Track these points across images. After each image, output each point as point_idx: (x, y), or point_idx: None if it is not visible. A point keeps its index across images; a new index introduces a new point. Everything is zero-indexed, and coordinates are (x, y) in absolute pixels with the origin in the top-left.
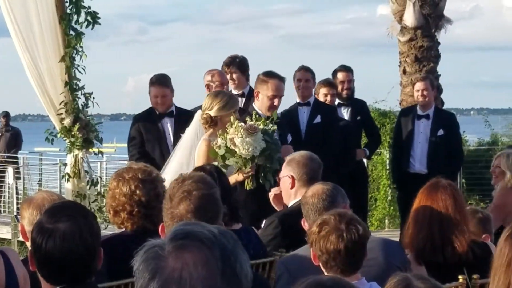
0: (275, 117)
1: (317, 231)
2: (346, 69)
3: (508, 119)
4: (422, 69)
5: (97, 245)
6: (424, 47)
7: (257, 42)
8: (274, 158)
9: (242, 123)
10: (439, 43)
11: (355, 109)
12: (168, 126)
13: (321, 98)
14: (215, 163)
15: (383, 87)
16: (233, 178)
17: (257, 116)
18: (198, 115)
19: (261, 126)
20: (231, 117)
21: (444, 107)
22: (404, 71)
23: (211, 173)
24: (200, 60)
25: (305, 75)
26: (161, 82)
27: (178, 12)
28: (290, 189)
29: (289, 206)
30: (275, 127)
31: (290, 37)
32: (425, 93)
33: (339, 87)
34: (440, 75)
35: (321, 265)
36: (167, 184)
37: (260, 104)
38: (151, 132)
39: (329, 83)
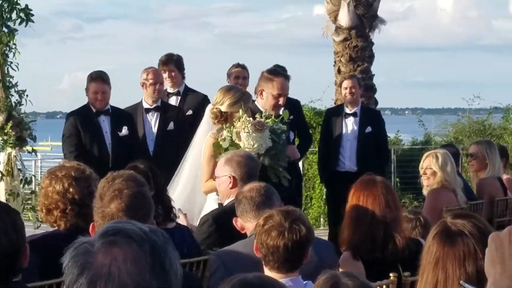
0: (285, 118)
1: (261, 224)
2: (280, 69)
3: (441, 119)
4: (356, 68)
5: (22, 242)
6: (358, 47)
7: (195, 41)
8: (281, 159)
9: (251, 118)
10: (373, 43)
11: (289, 109)
12: (106, 124)
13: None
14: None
15: (319, 86)
16: None
17: (266, 114)
18: (208, 110)
19: (271, 124)
20: (240, 110)
21: (379, 106)
22: (339, 71)
23: (145, 172)
24: (137, 59)
25: (243, 73)
26: (101, 78)
27: (115, 9)
28: (230, 188)
29: (224, 205)
30: (285, 127)
31: (227, 36)
32: (353, 90)
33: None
34: (374, 74)
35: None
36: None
37: (264, 103)
38: (89, 129)
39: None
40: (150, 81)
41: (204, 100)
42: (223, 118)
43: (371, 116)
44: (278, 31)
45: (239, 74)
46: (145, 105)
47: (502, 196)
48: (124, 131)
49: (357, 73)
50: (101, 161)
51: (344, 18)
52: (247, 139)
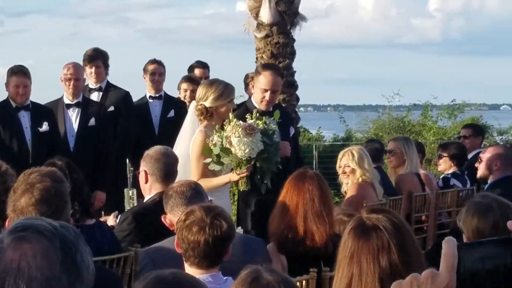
0: (276, 118)
1: (183, 219)
2: (203, 65)
3: (361, 116)
4: (278, 65)
5: None
6: (279, 43)
7: (116, 36)
8: (273, 161)
9: (241, 122)
10: (294, 40)
11: None
12: (26, 119)
13: (181, 93)
14: (208, 159)
15: (241, 83)
16: (227, 177)
17: (257, 114)
18: (192, 107)
19: (261, 126)
20: (230, 114)
21: (301, 103)
22: None
23: (62, 169)
24: (58, 54)
25: (159, 69)
26: (22, 72)
27: (37, 4)
28: (144, 183)
29: (144, 201)
30: (276, 127)
31: (150, 32)
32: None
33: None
34: (295, 71)
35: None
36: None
37: (255, 97)
38: (8, 125)
39: (191, 79)
40: (69, 76)
41: (126, 96)
42: (209, 114)
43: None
44: (200, 27)
45: (155, 70)
46: (66, 101)
47: (420, 192)
48: (45, 127)
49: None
50: (20, 157)
51: (266, 15)
52: (238, 144)
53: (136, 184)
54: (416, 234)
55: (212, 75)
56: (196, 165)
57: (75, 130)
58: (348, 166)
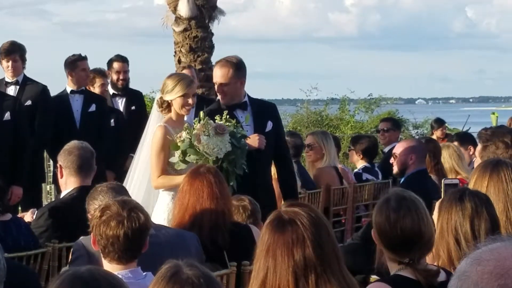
0: (246, 121)
1: (99, 216)
2: (122, 59)
3: (280, 110)
4: (196, 59)
5: None
6: (198, 37)
7: (32, 29)
8: (238, 164)
9: (211, 121)
10: (213, 34)
11: (130, 99)
12: None
13: (97, 88)
14: (175, 157)
15: (160, 76)
16: None
17: (227, 116)
18: (156, 100)
19: (231, 128)
20: (200, 112)
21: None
22: (179, 61)
23: None
24: None
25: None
26: None
27: None
28: (60, 178)
29: (61, 196)
30: (245, 132)
31: (66, 25)
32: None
33: (114, 77)
34: (214, 65)
35: (100, 250)
36: (138, 182)
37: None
38: None
39: (105, 74)
40: None
41: (43, 91)
42: (167, 107)
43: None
44: (118, 20)
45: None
46: None
47: (339, 185)
48: None
49: (197, 63)
50: None
51: (184, 9)
52: (207, 143)
53: (56, 181)
54: (334, 228)
55: (132, 70)
56: (156, 161)
57: None
58: None
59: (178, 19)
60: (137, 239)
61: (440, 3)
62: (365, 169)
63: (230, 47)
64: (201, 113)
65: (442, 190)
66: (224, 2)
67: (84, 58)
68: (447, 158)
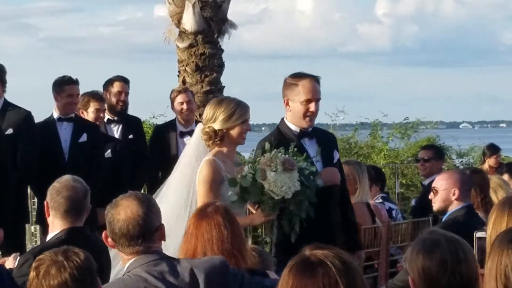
0: (317, 156)
1: (35, 275)
2: (124, 79)
3: None
4: (204, 79)
5: None
6: (206, 54)
7: (15, 46)
8: (304, 206)
9: (280, 154)
10: (223, 51)
11: (127, 126)
12: None
13: (91, 114)
14: (234, 195)
15: (162, 100)
16: (247, 219)
17: (294, 149)
18: (199, 130)
19: (301, 164)
20: (266, 143)
21: None
22: (184, 82)
23: None
24: None
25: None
26: None
27: None
28: (47, 217)
29: (47, 241)
30: (314, 168)
31: (54, 40)
32: (190, 106)
33: (113, 100)
34: (224, 86)
35: None
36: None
37: (292, 116)
38: None
39: (101, 97)
40: None
41: (27, 117)
42: (219, 138)
43: None
44: (113, 34)
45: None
46: None
47: (371, 224)
48: None
49: (205, 84)
50: None
51: (189, 22)
52: (274, 180)
53: (42, 221)
54: (365, 273)
55: (131, 91)
56: (205, 201)
57: None
58: None
59: (182, 33)
60: (86, 276)
61: (487, 11)
62: (384, 199)
63: (243, 64)
64: (267, 144)
65: (475, 245)
66: (236, 13)
67: (73, 82)
68: (491, 193)
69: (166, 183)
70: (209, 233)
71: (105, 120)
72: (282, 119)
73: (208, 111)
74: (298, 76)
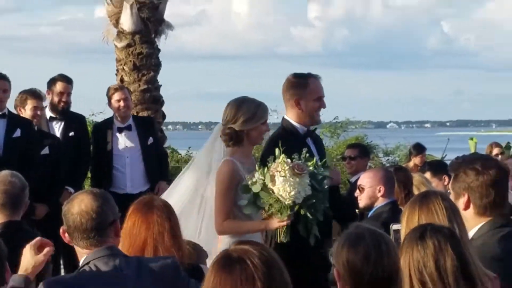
0: (329, 161)
1: None
2: (67, 80)
3: None
4: (141, 78)
5: None
6: (143, 54)
7: None
8: (320, 209)
9: (289, 159)
10: (159, 50)
11: (68, 124)
12: None
13: (28, 111)
14: (244, 200)
15: (101, 98)
16: (262, 224)
17: (307, 155)
18: (217, 130)
19: (311, 168)
20: (276, 149)
21: (168, 120)
22: (122, 80)
23: None
24: None
25: (4, 84)
26: None
27: None
28: None
29: None
30: (327, 172)
31: None
32: (126, 103)
33: (56, 99)
34: (161, 85)
35: None
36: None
37: (303, 114)
38: None
39: (39, 95)
40: None
41: None
42: (239, 140)
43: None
44: (54, 34)
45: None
46: None
47: None
48: None
49: (142, 82)
50: None
51: (127, 22)
52: (283, 185)
53: None
54: None
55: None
56: (222, 202)
57: None
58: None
59: (120, 33)
60: None
61: (413, 17)
62: None
63: (180, 65)
64: (277, 150)
65: (391, 236)
66: (173, 14)
67: (1, 77)
68: (414, 190)
69: (182, 176)
70: (161, 225)
71: (48, 117)
72: (285, 119)
73: (228, 112)
74: (305, 76)
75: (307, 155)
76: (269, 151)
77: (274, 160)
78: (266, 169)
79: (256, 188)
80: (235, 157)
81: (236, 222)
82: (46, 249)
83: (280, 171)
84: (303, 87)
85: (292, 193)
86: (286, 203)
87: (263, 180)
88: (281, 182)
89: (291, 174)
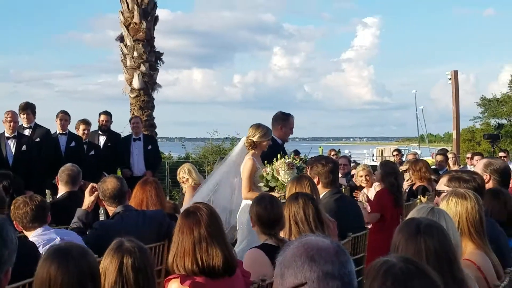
0: (297, 161)
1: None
2: (106, 113)
3: (195, 144)
4: (144, 114)
5: None
6: (145, 101)
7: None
8: None
9: (286, 160)
10: (154, 99)
11: (109, 138)
12: None
13: (80, 131)
14: (261, 183)
15: (124, 122)
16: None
17: (293, 157)
18: (243, 140)
19: (297, 163)
20: (278, 155)
21: (159, 136)
22: (133, 115)
23: None
24: None
25: (64, 117)
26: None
27: None
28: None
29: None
30: (304, 165)
31: (66, 93)
32: (139, 125)
33: (100, 123)
34: (155, 117)
35: None
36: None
37: (282, 134)
38: None
39: (88, 122)
40: (9, 118)
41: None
42: (254, 146)
43: (150, 140)
44: (95, 90)
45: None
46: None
47: None
48: None
49: (144, 116)
50: None
51: (136, 83)
52: (283, 175)
53: None
54: None
55: (114, 121)
56: (247, 182)
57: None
58: (184, 177)
59: (132, 89)
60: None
61: (287, 80)
62: None
63: (165, 107)
64: (279, 156)
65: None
66: (161, 79)
67: (64, 112)
68: None
69: (220, 166)
70: (150, 192)
71: (99, 133)
72: (272, 135)
73: (250, 130)
74: (287, 114)
75: (294, 157)
76: (267, 153)
77: (277, 161)
78: (273, 165)
79: (268, 176)
80: (253, 156)
81: (254, 193)
82: (95, 193)
83: (281, 167)
84: (285, 120)
85: (289, 178)
86: (285, 184)
87: (272, 172)
88: (283, 173)
89: (287, 168)
